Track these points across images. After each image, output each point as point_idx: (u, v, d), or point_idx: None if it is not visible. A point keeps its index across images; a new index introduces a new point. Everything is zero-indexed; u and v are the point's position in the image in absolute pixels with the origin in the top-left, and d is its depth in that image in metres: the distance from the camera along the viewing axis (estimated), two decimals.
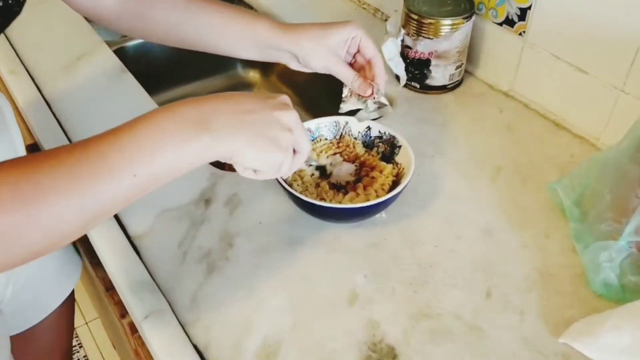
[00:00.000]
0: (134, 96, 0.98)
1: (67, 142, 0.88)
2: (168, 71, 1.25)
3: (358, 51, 0.78)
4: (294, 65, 0.80)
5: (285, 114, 0.58)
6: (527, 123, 0.92)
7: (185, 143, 0.52)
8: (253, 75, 1.33)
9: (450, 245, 0.73)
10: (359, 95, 0.78)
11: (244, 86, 1.32)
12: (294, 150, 0.61)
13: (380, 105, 0.80)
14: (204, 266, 0.70)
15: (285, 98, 0.61)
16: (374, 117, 0.81)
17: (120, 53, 1.16)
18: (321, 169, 0.79)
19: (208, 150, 0.54)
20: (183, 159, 0.53)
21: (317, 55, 0.76)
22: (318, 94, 1.19)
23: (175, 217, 0.76)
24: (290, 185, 0.74)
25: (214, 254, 0.72)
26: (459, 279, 0.69)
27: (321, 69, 0.77)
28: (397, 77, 1.00)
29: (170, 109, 0.54)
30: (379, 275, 0.69)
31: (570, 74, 0.87)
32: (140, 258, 0.71)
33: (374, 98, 0.77)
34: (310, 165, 0.78)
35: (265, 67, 1.32)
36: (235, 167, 0.59)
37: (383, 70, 0.78)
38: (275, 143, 0.57)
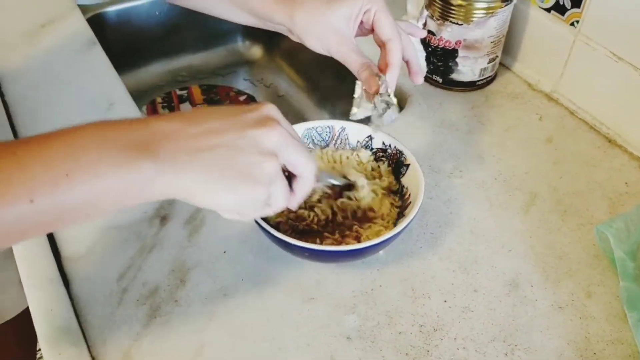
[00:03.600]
0: (99, 77, 0.82)
1: (10, 131, 0.73)
2: (156, 42, 1.09)
3: (372, 28, 0.61)
4: (295, 39, 0.64)
5: (267, 133, 0.43)
6: (573, 136, 0.74)
7: (116, 170, 0.39)
8: (255, 51, 1.16)
9: (465, 300, 0.56)
10: (365, 91, 0.60)
11: (243, 63, 1.15)
12: (293, 175, 0.47)
13: (386, 106, 0.61)
14: (146, 310, 0.55)
15: (270, 109, 0.46)
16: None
17: (99, 20, 1.00)
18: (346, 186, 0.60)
19: (149, 186, 0.40)
20: (107, 193, 0.40)
21: (313, 33, 0.60)
22: (327, 79, 1.02)
23: (121, 238, 0.61)
24: None
25: (160, 293, 0.56)
26: (471, 350, 0.53)
27: (320, 50, 0.61)
28: None
29: (108, 124, 0.41)
30: (367, 337, 0.53)
31: (633, 79, 0.69)
32: (69, 292, 0.56)
33: (380, 95, 0.59)
34: (333, 184, 0.59)
35: (268, 43, 1.15)
36: None
37: (398, 61, 0.60)
38: (248, 175, 0.42)
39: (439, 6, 0.75)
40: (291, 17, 0.60)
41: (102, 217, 0.42)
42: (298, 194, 0.47)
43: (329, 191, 0.60)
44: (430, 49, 0.79)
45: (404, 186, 0.61)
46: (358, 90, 0.60)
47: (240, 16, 0.66)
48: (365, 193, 0.59)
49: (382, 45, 0.61)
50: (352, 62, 0.59)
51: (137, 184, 0.40)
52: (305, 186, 0.47)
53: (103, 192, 0.39)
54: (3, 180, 0.37)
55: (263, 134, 0.43)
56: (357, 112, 0.60)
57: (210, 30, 1.14)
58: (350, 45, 0.60)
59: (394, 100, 0.59)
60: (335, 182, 0.58)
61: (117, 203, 0.41)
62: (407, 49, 0.62)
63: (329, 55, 0.61)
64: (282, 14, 0.61)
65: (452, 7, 0.73)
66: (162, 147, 0.41)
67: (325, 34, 0.59)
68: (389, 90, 0.58)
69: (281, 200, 0.45)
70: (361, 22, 0.61)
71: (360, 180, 0.59)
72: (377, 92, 0.58)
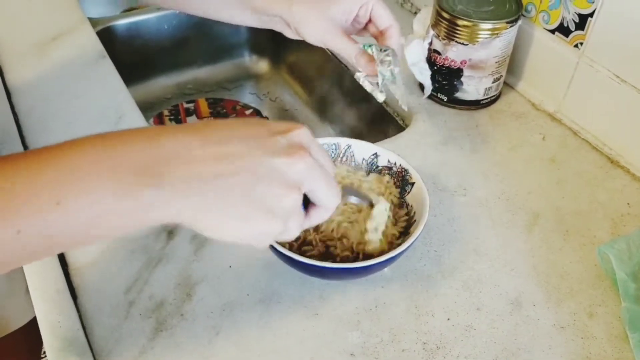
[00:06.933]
0: (108, 90, 0.83)
1: (19, 143, 0.74)
2: (164, 55, 1.11)
3: (370, 21, 0.65)
4: (289, 34, 0.66)
5: (293, 163, 0.40)
6: (575, 156, 0.75)
7: (110, 197, 0.36)
8: (261, 65, 1.18)
9: (468, 319, 0.57)
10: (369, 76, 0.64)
11: (250, 77, 1.16)
12: (311, 204, 0.44)
13: (390, 65, 0.62)
14: (152, 323, 0.56)
15: (301, 135, 0.42)
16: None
17: (109, 33, 1.02)
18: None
19: (148, 213, 0.37)
20: (102, 222, 0.36)
21: (310, 24, 0.62)
22: (332, 94, 1.03)
23: (128, 251, 0.62)
24: None
25: (166, 307, 0.57)
26: None
27: (316, 41, 0.64)
28: (421, 87, 0.84)
29: (113, 138, 0.38)
30: (370, 354, 0.54)
31: (635, 101, 0.70)
32: (76, 304, 0.57)
33: (381, 64, 0.62)
34: (355, 204, 0.58)
35: (275, 57, 1.16)
36: None
37: (399, 43, 0.64)
38: (266, 208, 0.39)
39: (445, 26, 0.76)
40: (289, 8, 0.62)
41: (95, 244, 0.39)
42: (314, 220, 0.45)
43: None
44: (435, 68, 0.80)
45: (408, 204, 0.61)
46: (366, 83, 0.64)
47: (233, 11, 0.66)
48: (384, 218, 0.57)
49: (380, 34, 0.64)
50: (348, 50, 0.62)
51: (137, 213, 0.37)
52: (324, 216, 0.45)
53: (98, 221, 0.36)
54: None
55: (289, 163, 0.39)
56: (380, 94, 0.64)
57: (217, 44, 1.15)
58: (346, 36, 0.63)
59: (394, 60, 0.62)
60: (358, 202, 0.56)
61: (114, 231, 0.38)
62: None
63: (323, 46, 0.64)
64: (280, 5, 0.63)
65: (458, 28, 0.75)
66: (170, 170, 0.37)
67: (323, 24, 0.62)
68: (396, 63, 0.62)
69: (294, 232, 0.42)
70: (355, 17, 0.64)
71: (381, 203, 0.57)
72: (375, 73, 0.62)
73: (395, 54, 0.62)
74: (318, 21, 0.62)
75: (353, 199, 0.56)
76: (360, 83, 0.65)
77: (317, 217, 0.45)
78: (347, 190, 0.56)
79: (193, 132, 0.39)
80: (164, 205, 0.37)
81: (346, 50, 0.62)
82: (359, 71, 0.64)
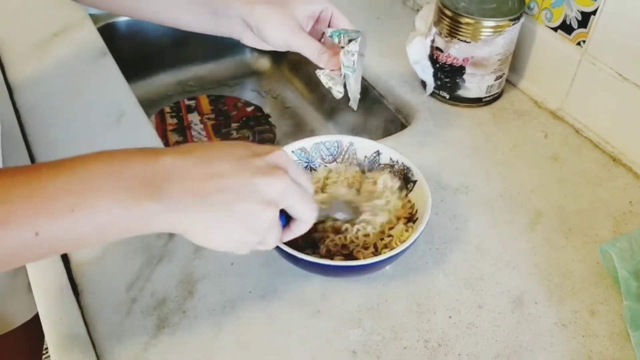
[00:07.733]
0: (110, 86, 0.83)
1: (22, 140, 0.74)
2: (166, 52, 1.10)
3: (329, 27, 0.65)
4: (247, 39, 0.65)
5: (271, 183, 0.45)
6: (577, 154, 0.75)
7: (119, 207, 0.41)
8: (263, 62, 1.17)
9: (469, 317, 0.57)
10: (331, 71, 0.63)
11: (251, 74, 1.16)
12: (292, 218, 0.50)
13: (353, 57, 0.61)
14: (154, 320, 0.56)
15: (278, 157, 0.47)
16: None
17: (109, 30, 1.02)
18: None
19: (149, 221, 0.43)
20: (110, 227, 0.42)
21: (273, 24, 0.62)
22: None
23: (130, 248, 0.62)
24: None
25: (168, 304, 0.57)
26: None
27: (278, 43, 0.63)
28: (423, 84, 0.84)
29: (119, 156, 0.43)
30: (372, 352, 0.54)
31: (637, 99, 0.70)
32: (79, 301, 0.57)
33: (346, 54, 0.61)
34: (336, 219, 0.60)
35: (276, 54, 1.16)
36: None
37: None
38: (246, 223, 0.45)
39: (448, 23, 0.76)
40: (250, 7, 0.62)
41: (104, 244, 0.43)
42: (294, 232, 0.50)
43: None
44: (437, 66, 0.80)
45: (411, 202, 0.61)
46: (324, 80, 0.63)
47: (187, 14, 0.66)
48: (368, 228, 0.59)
49: None
50: (311, 49, 0.62)
51: (140, 221, 0.42)
52: (303, 229, 0.50)
53: (106, 227, 0.42)
54: (9, 211, 0.38)
55: (267, 183, 0.45)
56: (339, 90, 0.63)
57: (218, 41, 1.13)
58: (307, 35, 0.63)
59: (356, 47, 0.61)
60: (340, 217, 0.60)
61: (118, 235, 0.43)
62: None
63: (286, 47, 0.63)
64: (240, 4, 0.62)
65: (461, 25, 0.74)
66: (168, 187, 0.42)
67: (286, 23, 0.62)
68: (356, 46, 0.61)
69: (272, 243, 0.48)
70: (315, 23, 0.65)
71: (366, 217, 0.59)
72: (339, 67, 0.62)
73: (364, 39, 0.61)
74: (283, 21, 0.61)
75: (339, 215, 0.59)
76: (321, 80, 0.64)
77: (297, 229, 0.50)
78: (335, 205, 0.60)
79: (188, 152, 0.45)
80: (163, 216, 0.42)
81: (310, 49, 0.62)
82: (320, 69, 0.64)
